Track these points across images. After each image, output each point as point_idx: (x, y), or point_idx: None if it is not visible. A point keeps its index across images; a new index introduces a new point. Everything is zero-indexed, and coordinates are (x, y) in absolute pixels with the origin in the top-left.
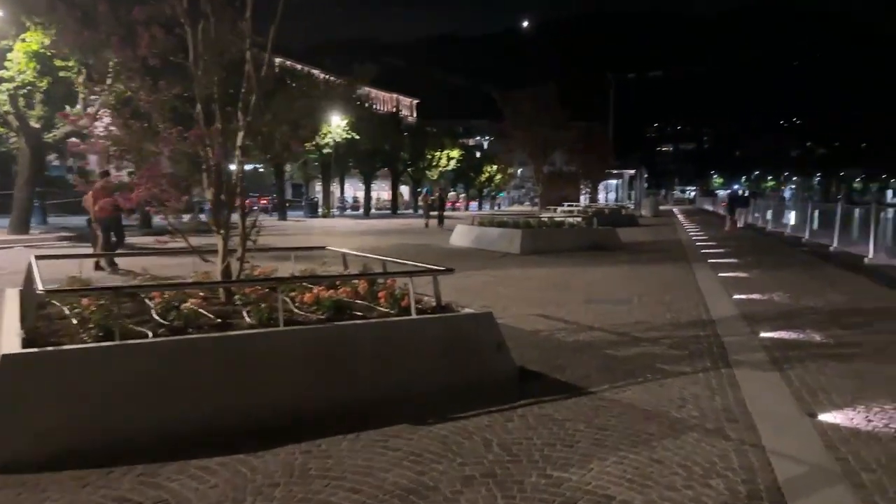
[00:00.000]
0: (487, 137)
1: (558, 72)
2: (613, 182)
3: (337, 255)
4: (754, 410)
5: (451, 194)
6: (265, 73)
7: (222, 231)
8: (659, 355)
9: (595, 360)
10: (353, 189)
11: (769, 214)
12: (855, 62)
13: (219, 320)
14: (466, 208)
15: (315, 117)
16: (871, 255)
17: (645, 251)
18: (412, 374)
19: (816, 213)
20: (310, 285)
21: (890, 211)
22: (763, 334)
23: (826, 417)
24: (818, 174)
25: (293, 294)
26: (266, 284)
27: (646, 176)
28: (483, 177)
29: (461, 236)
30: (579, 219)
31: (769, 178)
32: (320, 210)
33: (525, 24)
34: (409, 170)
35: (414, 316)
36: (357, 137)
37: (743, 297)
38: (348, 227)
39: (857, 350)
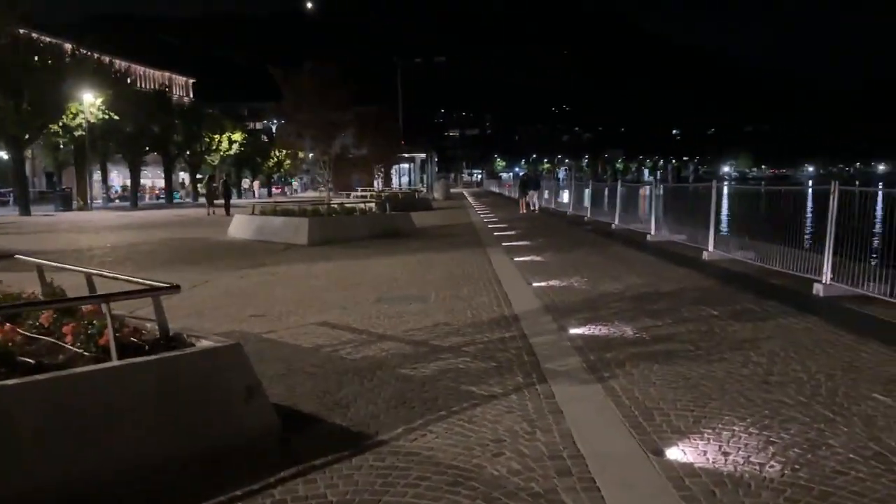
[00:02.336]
0: (276, 121)
1: (347, 54)
2: (405, 166)
3: (30, 268)
4: (588, 453)
5: (246, 181)
6: None
7: None
8: (464, 371)
9: (387, 387)
10: (122, 178)
11: (546, 195)
12: (616, 54)
13: None
14: (253, 195)
15: (57, 93)
16: (652, 232)
17: (440, 236)
18: (110, 454)
19: (583, 192)
20: None
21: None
22: (572, 331)
23: (675, 455)
24: (586, 156)
25: None
26: None
27: (436, 160)
28: (271, 162)
29: (240, 227)
30: (372, 205)
31: (545, 160)
32: (75, 203)
33: (310, 4)
34: (185, 155)
35: (114, 361)
36: (117, 118)
37: (542, 284)
38: (108, 222)
39: (675, 346)
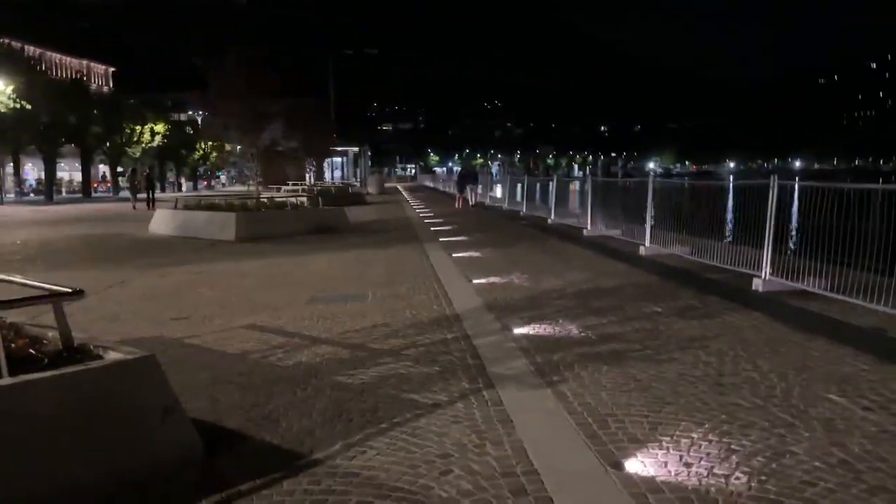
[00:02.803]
0: (202, 113)
1: (278, 45)
2: (339, 160)
3: None
4: (543, 468)
5: (172, 174)
6: None
7: None
8: (405, 377)
9: (322, 397)
10: (38, 171)
11: (480, 189)
12: (545, 52)
13: None
14: (179, 188)
15: None
16: (589, 227)
17: (375, 231)
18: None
19: (518, 187)
20: None
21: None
22: (516, 331)
23: (635, 467)
24: (518, 151)
25: None
26: None
27: (370, 154)
28: (197, 155)
29: (163, 222)
30: (304, 199)
31: (478, 155)
32: None
33: None
34: (104, 147)
35: (4, 378)
36: (29, 107)
37: (482, 281)
38: (21, 217)
39: (623, 345)
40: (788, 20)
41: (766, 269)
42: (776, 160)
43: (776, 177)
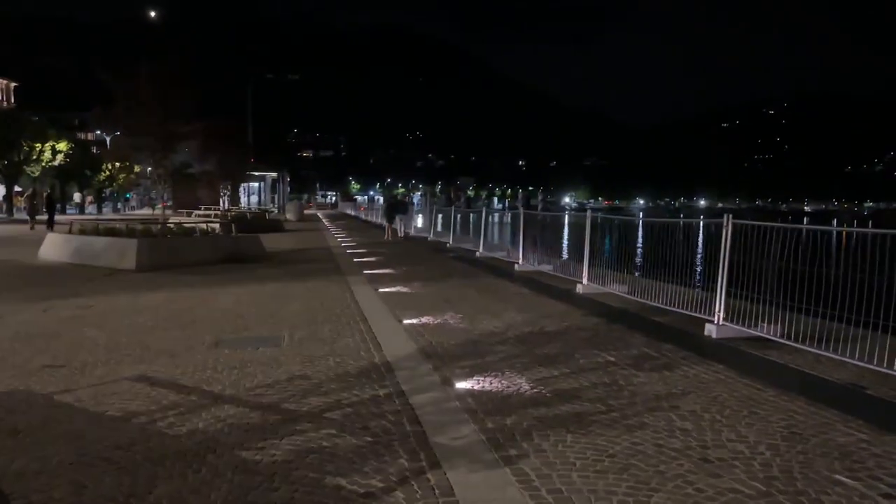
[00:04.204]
0: (111, 133)
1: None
2: (255, 185)
3: None
4: None
5: (78, 195)
6: None
7: None
8: (329, 453)
9: (221, 482)
10: None
11: (412, 220)
12: (467, 88)
13: None
14: (82, 211)
15: None
16: (520, 262)
17: (293, 262)
18: None
19: (443, 217)
20: None
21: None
22: (459, 385)
23: None
24: (439, 182)
25: None
26: None
27: (288, 180)
28: (102, 176)
29: (55, 248)
30: (216, 225)
31: (399, 185)
32: None
33: (153, 13)
34: (1, 164)
35: None
36: None
37: (414, 321)
38: None
39: (583, 406)
40: (694, 67)
41: (720, 314)
42: (682, 198)
43: (730, 215)
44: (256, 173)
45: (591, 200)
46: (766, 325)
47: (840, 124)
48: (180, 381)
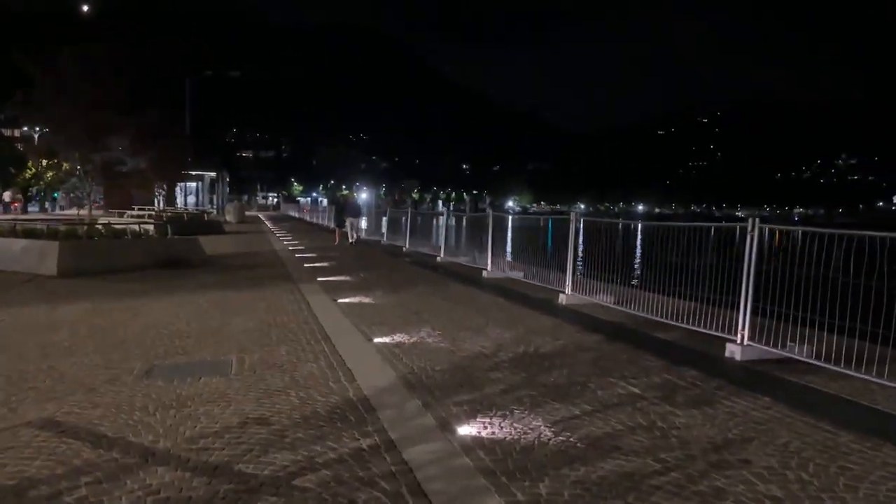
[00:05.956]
0: (39, 129)
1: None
2: (193, 185)
3: None
4: None
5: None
6: None
7: None
8: None
9: None
10: None
11: (363, 223)
12: (411, 91)
13: None
14: (6, 210)
15: None
16: (489, 268)
17: (237, 267)
18: None
19: (384, 220)
20: None
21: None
22: (462, 431)
23: None
24: (383, 184)
25: None
26: None
27: (228, 180)
28: (28, 174)
29: None
30: (150, 227)
31: (343, 186)
32: None
33: (85, 7)
34: None
35: None
36: None
37: (386, 339)
38: None
39: (630, 461)
40: (636, 74)
41: (744, 333)
42: (621, 203)
43: (757, 219)
44: (194, 172)
45: (534, 205)
46: (795, 344)
47: (770, 132)
48: (100, 429)
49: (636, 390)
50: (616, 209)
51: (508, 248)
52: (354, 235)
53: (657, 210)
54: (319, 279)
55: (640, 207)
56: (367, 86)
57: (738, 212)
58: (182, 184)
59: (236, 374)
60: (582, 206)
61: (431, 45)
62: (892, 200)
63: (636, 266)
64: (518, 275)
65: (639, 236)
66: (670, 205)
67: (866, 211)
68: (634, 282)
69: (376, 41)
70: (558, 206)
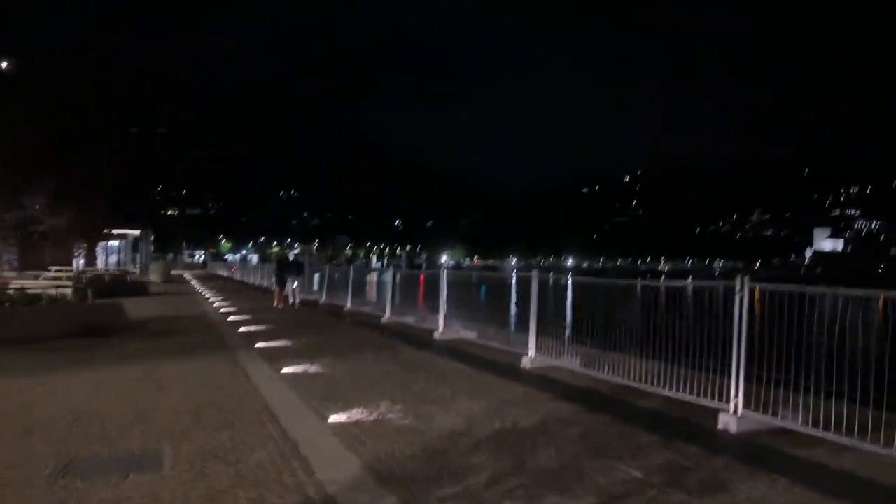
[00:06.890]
0: None
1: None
2: (115, 244)
3: None
4: None
5: None
6: None
7: None
8: None
9: None
10: None
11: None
12: (341, 146)
13: None
14: None
15: None
16: (441, 328)
17: (165, 334)
18: None
19: (315, 277)
20: None
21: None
22: None
23: None
24: (316, 241)
25: None
26: None
27: (152, 238)
28: None
29: None
30: (69, 290)
31: (274, 243)
32: None
33: (5, 64)
34: None
35: None
36: None
37: (342, 418)
38: None
39: None
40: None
41: (738, 402)
42: (551, 257)
43: (747, 277)
44: (116, 231)
45: (467, 259)
46: (789, 412)
47: (689, 190)
48: None
49: (638, 474)
50: (545, 263)
51: (458, 307)
52: (295, 297)
53: (585, 264)
54: (258, 345)
55: (570, 261)
56: (296, 143)
57: (663, 265)
58: (104, 243)
59: (171, 470)
60: (514, 261)
61: (361, 106)
62: (803, 255)
63: (602, 326)
64: (471, 335)
65: (601, 295)
66: (598, 259)
67: (781, 264)
68: (601, 343)
69: (306, 102)
70: (490, 262)
